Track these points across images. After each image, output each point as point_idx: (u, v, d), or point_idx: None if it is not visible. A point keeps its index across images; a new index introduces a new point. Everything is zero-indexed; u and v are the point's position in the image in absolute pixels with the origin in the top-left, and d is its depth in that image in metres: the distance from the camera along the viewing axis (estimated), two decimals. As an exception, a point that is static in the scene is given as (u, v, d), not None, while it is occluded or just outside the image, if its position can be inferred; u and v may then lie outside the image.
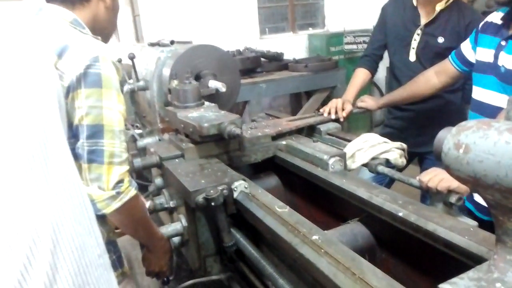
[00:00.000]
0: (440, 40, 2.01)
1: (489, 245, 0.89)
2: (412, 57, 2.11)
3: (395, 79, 2.22)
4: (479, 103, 1.55)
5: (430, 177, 1.30)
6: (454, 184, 1.23)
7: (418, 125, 2.17)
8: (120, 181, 1.05)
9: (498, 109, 1.43)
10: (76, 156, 1.00)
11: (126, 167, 1.07)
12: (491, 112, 1.46)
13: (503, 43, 1.43)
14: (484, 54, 1.53)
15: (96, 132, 1.01)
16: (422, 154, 2.21)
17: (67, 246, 0.65)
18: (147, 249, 1.38)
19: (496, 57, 1.45)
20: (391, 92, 2.10)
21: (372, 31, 2.40)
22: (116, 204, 1.05)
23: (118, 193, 1.05)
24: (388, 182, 2.07)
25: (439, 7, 2.00)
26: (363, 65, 2.27)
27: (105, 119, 1.01)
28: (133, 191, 1.09)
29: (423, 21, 2.06)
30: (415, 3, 2.08)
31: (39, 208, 0.63)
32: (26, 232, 0.60)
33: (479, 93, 1.55)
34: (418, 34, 2.07)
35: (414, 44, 2.08)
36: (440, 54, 1.97)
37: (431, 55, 2.03)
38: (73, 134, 1.00)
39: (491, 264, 0.71)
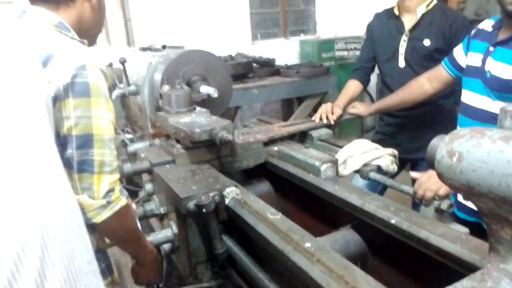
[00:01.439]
0: (427, 42, 2.04)
1: (481, 253, 0.88)
2: (402, 63, 2.14)
3: (386, 87, 2.24)
4: (466, 105, 1.59)
5: (419, 185, 1.35)
6: (441, 191, 1.29)
7: (410, 131, 2.18)
8: (111, 190, 1.03)
9: (483, 112, 1.48)
10: (65, 163, 0.98)
11: (116, 176, 1.05)
12: (476, 114, 1.51)
13: (491, 48, 1.46)
14: (474, 59, 1.56)
15: (86, 142, 0.98)
16: (415, 161, 2.22)
17: (56, 252, 0.64)
18: (137, 262, 1.36)
19: (483, 61, 1.48)
20: (383, 98, 2.11)
21: (361, 47, 2.49)
22: (107, 213, 1.02)
23: (109, 202, 1.02)
24: (381, 189, 2.07)
25: (420, 11, 2.05)
26: (355, 77, 2.32)
27: (94, 129, 0.99)
28: (124, 200, 1.07)
29: (407, 26, 2.11)
30: (397, 12, 2.15)
31: (27, 213, 0.61)
32: (14, 238, 0.59)
33: (466, 96, 1.58)
34: (404, 40, 2.11)
35: (402, 50, 2.12)
36: (428, 57, 2.03)
37: (420, 59, 2.07)
38: (60, 142, 0.97)
39: (484, 273, 0.70)
